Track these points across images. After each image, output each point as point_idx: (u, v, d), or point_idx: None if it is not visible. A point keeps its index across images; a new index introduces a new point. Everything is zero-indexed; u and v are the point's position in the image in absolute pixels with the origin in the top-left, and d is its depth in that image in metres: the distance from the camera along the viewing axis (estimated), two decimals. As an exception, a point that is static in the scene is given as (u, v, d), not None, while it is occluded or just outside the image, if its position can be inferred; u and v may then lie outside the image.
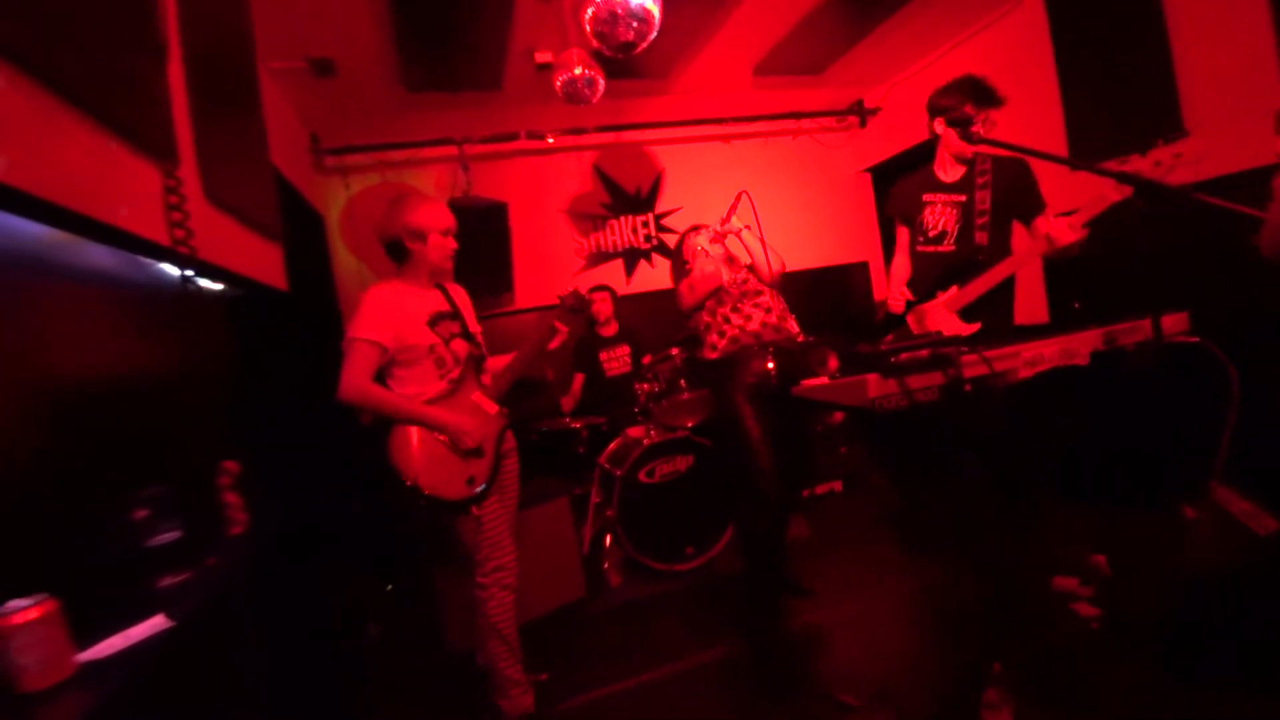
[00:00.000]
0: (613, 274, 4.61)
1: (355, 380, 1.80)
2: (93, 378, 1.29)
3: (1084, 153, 3.17)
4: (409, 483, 1.82)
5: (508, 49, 3.34)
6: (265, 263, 2.20)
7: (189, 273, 1.60)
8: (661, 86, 4.19)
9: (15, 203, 0.96)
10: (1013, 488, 2.05)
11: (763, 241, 2.37)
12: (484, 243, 3.84)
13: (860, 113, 4.93)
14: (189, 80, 1.64)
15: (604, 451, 3.38)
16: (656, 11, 2.37)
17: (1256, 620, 1.70)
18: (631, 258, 4.70)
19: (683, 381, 3.24)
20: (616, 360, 3.92)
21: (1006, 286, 2.08)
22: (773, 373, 2.23)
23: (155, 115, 1.43)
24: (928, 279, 2.20)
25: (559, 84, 2.99)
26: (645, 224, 4.72)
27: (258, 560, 1.54)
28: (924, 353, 1.41)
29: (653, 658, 2.39)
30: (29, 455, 1.07)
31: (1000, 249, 2.08)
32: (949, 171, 2.18)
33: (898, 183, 2.36)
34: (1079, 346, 1.53)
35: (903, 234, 2.33)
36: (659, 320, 3.95)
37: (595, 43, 2.45)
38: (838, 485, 3.90)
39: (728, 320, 2.39)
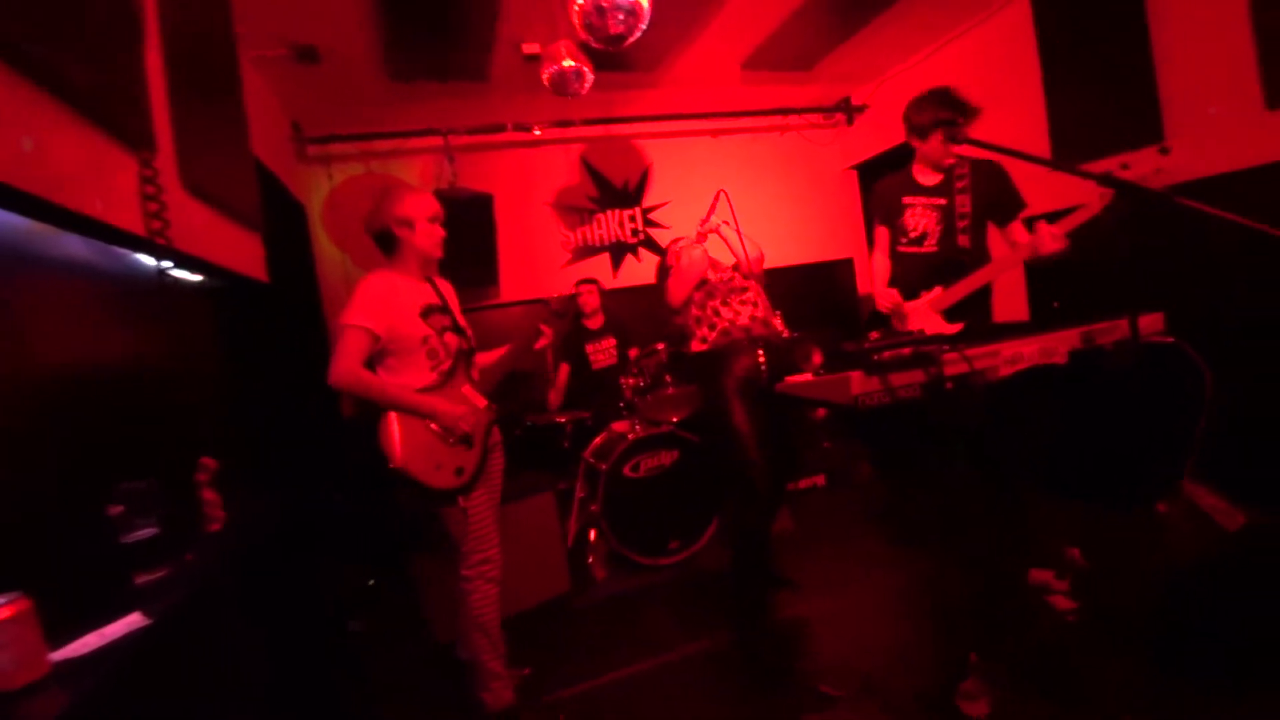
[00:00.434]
0: (599, 268, 4.60)
1: (347, 365, 1.79)
2: (67, 371, 1.26)
3: (1067, 154, 3.21)
4: (399, 470, 1.82)
5: (495, 39, 3.30)
6: (245, 254, 2.16)
7: (166, 264, 1.57)
8: (650, 80, 4.17)
9: (-16, 191, 0.93)
10: (995, 482, 2.09)
11: (740, 234, 2.39)
12: (468, 234, 3.80)
13: (847, 110, 4.94)
14: (167, 66, 1.61)
15: (589, 446, 3.38)
16: (646, 4, 2.36)
17: (1228, 611, 1.75)
18: (618, 252, 4.68)
19: (668, 376, 3.24)
20: (603, 352, 3.93)
21: (985, 287, 2.13)
22: (763, 367, 2.24)
23: (132, 102, 1.39)
24: (911, 279, 2.23)
25: (547, 76, 2.97)
26: (633, 218, 4.71)
27: (238, 555, 1.52)
28: (906, 351, 1.43)
29: (637, 651, 2.41)
30: (1, 451, 1.05)
31: (981, 250, 2.13)
32: (928, 175, 2.22)
33: (878, 183, 2.40)
34: (1057, 345, 1.56)
35: (882, 233, 2.38)
36: (645, 315, 3.95)
37: (584, 35, 2.43)
38: (821, 480, 3.94)
39: (718, 313, 2.39)
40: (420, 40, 3.22)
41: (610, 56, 2.88)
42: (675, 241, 2.65)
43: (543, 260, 4.51)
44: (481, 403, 2.04)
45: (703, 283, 2.45)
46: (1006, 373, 1.53)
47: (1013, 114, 3.55)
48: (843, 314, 5.07)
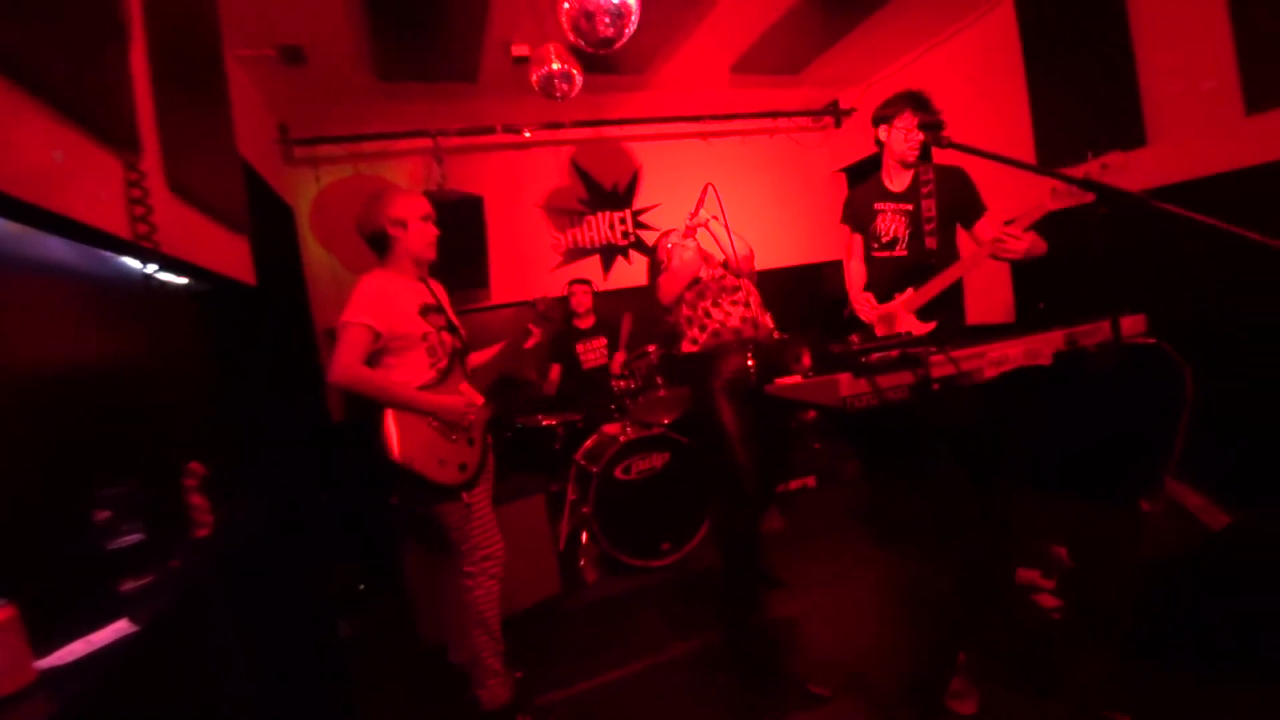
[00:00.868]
0: (590, 270, 4.60)
1: (347, 362, 1.79)
2: (52, 376, 1.25)
3: (1050, 157, 3.26)
4: (404, 465, 1.83)
5: (484, 40, 3.30)
6: (232, 256, 2.15)
7: (152, 267, 1.55)
8: (639, 82, 4.19)
9: (-33, 195, 0.92)
10: (981, 483, 2.11)
11: (729, 229, 2.38)
12: (458, 237, 3.79)
13: (836, 113, 4.98)
14: (152, 67, 1.59)
15: (580, 448, 3.38)
16: (635, 7, 2.37)
17: (1211, 608, 1.78)
18: (609, 254, 4.69)
19: (659, 378, 3.25)
20: (593, 352, 3.93)
21: (956, 286, 2.20)
22: (752, 369, 2.25)
23: (116, 103, 1.38)
24: (884, 283, 2.30)
25: (535, 79, 2.97)
26: (623, 220, 4.72)
27: (227, 560, 1.51)
28: (894, 353, 1.44)
29: (628, 652, 2.41)
30: (-17, 456, 1.04)
31: (949, 251, 2.21)
32: (896, 181, 2.31)
33: (850, 193, 2.49)
34: (1042, 347, 1.58)
35: (856, 241, 2.45)
36: (636, 317, 3.95)
37: (573, 37, 2.44)
38: (811, 480, 3.96)
39: (708, 315, 2.39)
40: (408, 41, 3.21)
41: (599, 59, 2.89)
42: (665, 235, 2.62)
43: (533, 262, 4.50)
44: (479, 400, 2.06)
45: (695, 281, 2.44)
46: (992, 374, 1.54)
47: (997, 117, 3.60)
48: (832, 315, 5.09)
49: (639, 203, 4.75)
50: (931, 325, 2.17)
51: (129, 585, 1.16)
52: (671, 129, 4.63)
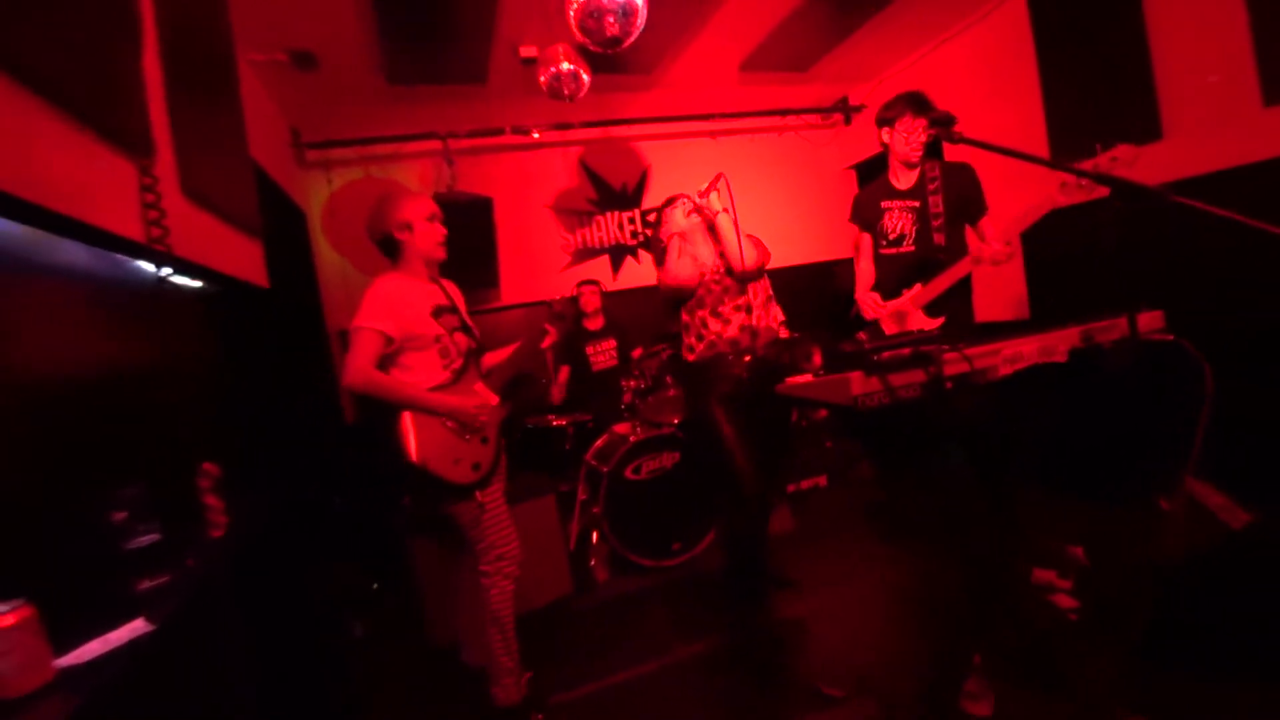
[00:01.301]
0: (599, 270, 4.60)
1: (360, 366, 1.81)
2: (70, 378, 1.27)
3: (1064, 151, 3.22)
4: (420, 465, 1.84)
5: (492, 42, 3.31)
6: (245, 259, 2.17)
7: (166, 270, 1.57)
8: (647, 82, 4.18)
9: (-15, 200, 0.94)
10: (995, 481, 2.09)
11: (738, 231, 2.28)
12: (468, 238, 3.81)
13: (845, 110, 4.95)
14: (166, 73, 1.61)
15: (590, 448, 3.38)
16: (642, 6, 2.36)
17: (1231, 609, 1.75)
18: (618, 254, 4.69)
19: (669, 378, 3.25)
20: (603, 354, 3.93)
21: (965, 281, 2.19)
22: (746, 380, 2.22)
23: (131, 109, 1.40)
24: (892, 280, 2.30)
25: (544, 80, 2.98)
26: (632, 220, 4.72)
27: (241, 560, 1.52)
28: (906, 351, 1.43)
29: (640, 652, 2.41)
30: (3, 458, 1.05)
31: (958, 247, 2.21)
32: (902, 179, 2.32)
33: (858, 194, 2.50)
34: (1057, 344, 1.56)
35: (865, 240, 2.46)
36: (646, 316, 3.95)
37: (581, 37, 2.44)
38: (822, 480, 3.94)
39: (705, 324, 2.32)
40: (418, 44, 3.23)
41: (608, 58, 2.89)
42: (670, 207, 2.43)
43: (542, 263, 4.51)
44: (493, 400, 2.07)
45: (690, 291, 2.33)
46: (1006, 372, 1.52)
47: (1010, 111, 3.56)
48: (842, 313, 5.06)
49: (648, 202, 4.74)
50: (939, 321, 2.17)
51: (145, 585, 1.18)
52: (680, 128, 4.62)
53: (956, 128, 1.94)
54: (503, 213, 4.18)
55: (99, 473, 1.25)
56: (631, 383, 3.33)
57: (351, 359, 1.81)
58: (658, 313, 3.71)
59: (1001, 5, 3.57)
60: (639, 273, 4.70)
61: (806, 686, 2.03)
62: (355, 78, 3.44)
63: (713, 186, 2.31)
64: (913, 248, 2.27)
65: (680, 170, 4.73)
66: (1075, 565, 2.37)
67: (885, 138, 2.30)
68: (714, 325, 2.31)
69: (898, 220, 2.31)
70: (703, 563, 3.15)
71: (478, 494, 1.96)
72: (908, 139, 2.22)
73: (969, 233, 2.27)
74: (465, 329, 2.09)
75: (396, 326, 1.87)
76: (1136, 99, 2.87)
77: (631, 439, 3.12)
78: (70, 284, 1.33)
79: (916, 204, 2.26)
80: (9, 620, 0.85)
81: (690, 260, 2.33)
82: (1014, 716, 1.77)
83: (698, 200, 2.32)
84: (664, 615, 2.71)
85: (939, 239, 2.20)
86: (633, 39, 2.45)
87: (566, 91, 2.98)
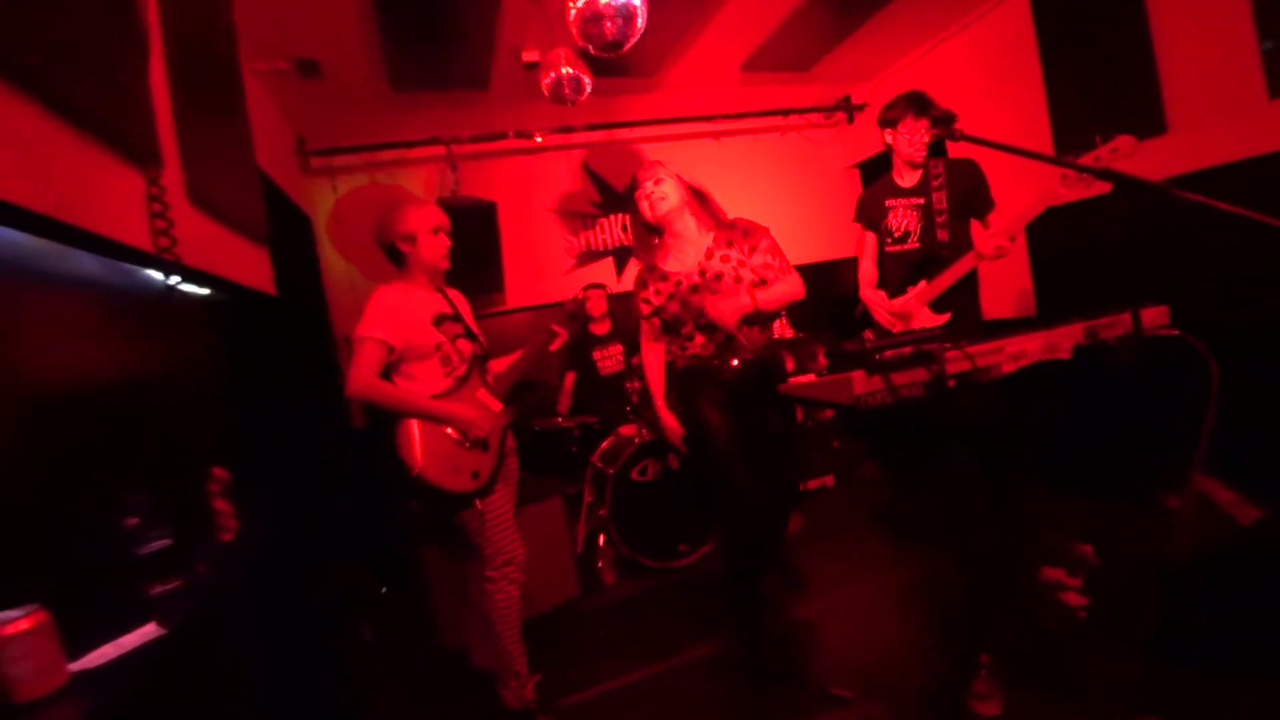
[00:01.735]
0: (603, 272, 4.61)
1: (362, 376, 1.82)
2: (81, 386, 1.28)
3: (1068, 146, 3.20)
4: (415, 474, 1.85)
5: (495, 48, 3.33)
6: (252, 267, 2.19)
7: (174, 279, 1.59)
8: (649, 84, 4.19)
9: (-3, 212, 0.95)
10: (1000, 480, 2.08)
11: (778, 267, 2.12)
12: (473, 242, 3.83)
13: (848, 109, 4.95)
14: (171, 83, 1.63)
15: (596, 450, 3.39)
16: (642, 10, 2.37)
17: (1240, 607, 1.73)
18: (622, 256, 4.70)
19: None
20: (609, 359, 3.93)
21: (971, 278, 2.19)
22: (734, 381, 2.15)
23: (138, 119, 1.42)
24: (897, 277, 2.31)
25: (546, 84, 2.99)
26: (635, 222, 4.72)
27: (251, 565, 1.54)
28: (908, 349, 1.43)
29: (647, 654, 2.41)
30: (16, 463, 1.07)
31: (962, 243, 2.21)
32: (906, 178, 2.32)
33: (862, 193, 2.50)
34: (1061, 340, 1.55)
35: (869, 239, 2.46)
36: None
37: (581, 41, 2.45)
38: (829, 480, 3.93)
39: (691, 340, 2.17)
40: (420, 51, 3.25)
41: (609, 62, 2.90)
42: (647, 173, 2.18)
43: (547, 266, 4.53)
44: (497, 406, 2.08)
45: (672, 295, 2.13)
46: (1010, 369, 1.52)
47: (1013, 107, 3.55)
48: (847, 312, 5.05)
49: (651, 204, 4.74)
50: (945, 317, 2.16)
51: (157, 589, 1.19)
52: (683, 129, 4.63)
53: (958, 125, 1.94)
54: (507, 216, 4.20)
55: (110, 479, 1.27)
56: (636, 385, 3.34)
57: (354, 368, 1.83)
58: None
59: (1003, 1, 3.56)
60: (643, 274, 4.71)
61: (815, 688, 2.03)
62: (359, 85, 3.47)
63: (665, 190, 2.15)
64: (917, 245, 2.28)
65: (684, 172, 4.71)
66: (1084, 563, 2.36)
67: (888, 138, 2.31)
68: (699, 338, 2.14)
69: (902, 218, 2.31)
70: (709, 563, 3.15)
71: (477, 502, 1.96)
72: (910, 139, 2.22)
73: (975, 228, 2.27)
74: (469, 336, 2.09)
75: (397, 336, 1.88)
76: (1140, 93, 2.86)
77: (637, 441, 3.13)
78: (81, 294, 1.35)
79: (920, 201, 2.26)
80: (23, 625, 0.87)
81: (656, 354, 2.32)
82: (1023, 716, 1.76)
83: (653, 199, 2.12)
84: (671, 616, 2.71)
85: (943, 236, 2.20)
86: (633, 42, 2.46)
87: (568, 95, 2.99)
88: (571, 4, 2.34)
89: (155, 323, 1.60)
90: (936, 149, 2.32)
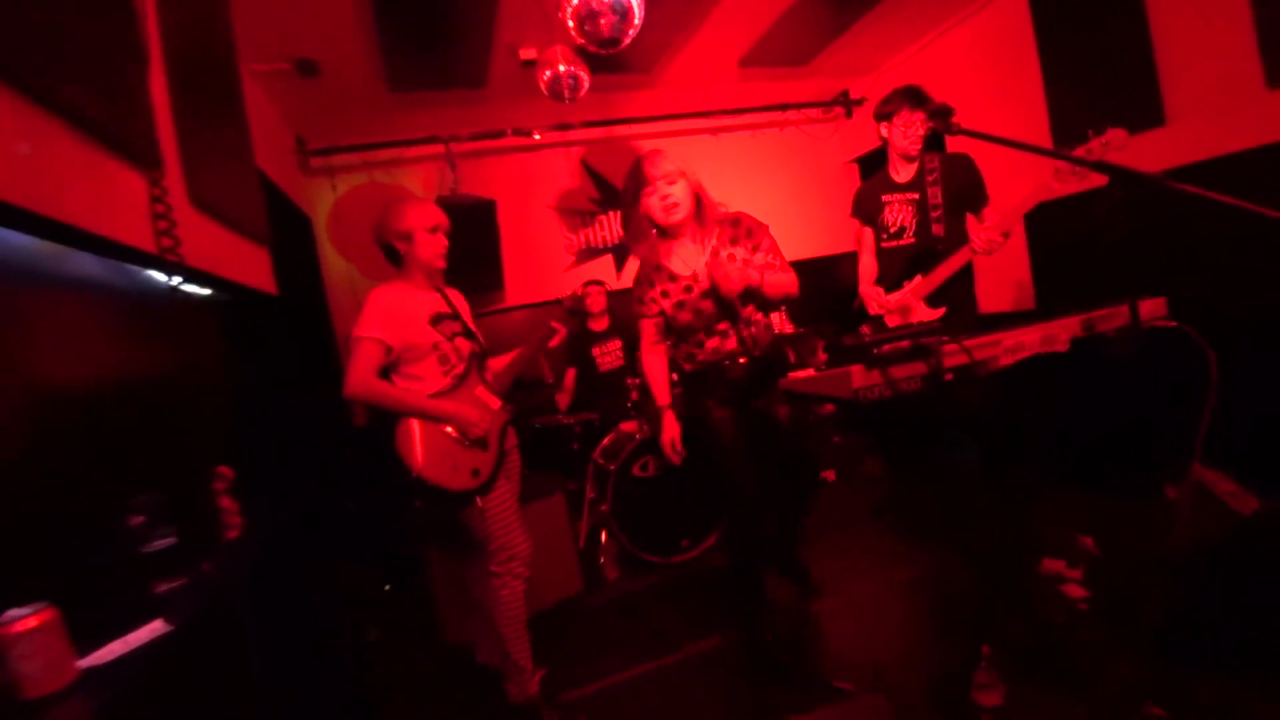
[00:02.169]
0: (603, 269, 4.62)
1: (360, 376, 1.83)
2: (86, 386, 1.30)
3: (1066, 139, 3.20)
4: (415, 474, 1.86)
5: (492, 46, 3.33)
6: (254, 267, 2.20)
7: (177, 279, 1.60)
8: (647, 80, 4.18)
9: (1, 215, 0.96)
10: (1000, 473, 2.09)
11: (774, 264, 2.06)
12: (472, 241, 3.84)
13: (846, 103, 4.94)
14: (171, 86, 1.64)
15: (597, 447, 3.40)
16: (639, 7, 2.37)
17: (1242, 599, 1.74)
18: (621, 253, 4.70)
19: (675, 375, 3.25)
20: (609, 355, 3.94)
21: (967, 272, 2.22)
22: (743, 380, 2.15)
23: (139, 122, 1.43)
24: (893, 272, 2.33)
25: (544, 81, 2.99)
26: (634, 219, 4.72)
27: (255, 562, 1.55)
28: (906, 343, 1.44)
29: (650, 649, 2.42)
30: (24, 464, 1.08)
31: (957, 238, 2.22)
32: (902, 172, 2.34)
33: (859, 188, 2.52)
34: (1059, 333, 1.56)
35: (867, 235, 2.48)
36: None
37: (578, 38, 2.45)
38: (831, 474, 3.94)
39: (701, 345, 2.15)
40: (418, 50, 3.25)
41: (607, 58, 2.90)
42: (641, 188, 2.08)
43: (547, 264, 4.53)
44: (496, 404, 2.08)
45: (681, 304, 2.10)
46: (1008, 362, 1.53)
47: (1011, 100, 3.55)
48: (847, 307, 5.06)
49: (650, 201, 4.74)
50: (941, 311, 2.18)
51: (163, 587, 1.20)
52: (681, 125, 4.63)
53: (955, 119, 1.94)
54: (506, 214, 4.20)
55: (116, 478, 1.28)
56: (637, 380, 3.34)
57: (351, 369, 1.83)
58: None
59: (1001, -6, 3.55)
60: (643, 271, 4.71)
61: (817, 681, 2.04)
62: (357, 85, 3.47)
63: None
64: (913, 240, 2.30)
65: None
66: (1085, 555, 2.37)
67: (884, 132, 2.32)
68: (711, 344, 2.13)
69: (898, 213, 2.33)
70: (711, 558, 3.16)
71: (478, 499, 1.97)
72: (905, 133, 2.23)
73: (970, 222, 2.28)
74: (468, 334, 2.10)
75: (395, 336, 1.89)
76: (1138, 85, 2.85)
77: (638, 436, 3.14)
78: (86, 295, 1.36)
79: (916, 196, 2.28)
80: (33, 622, 0.88)
81: (658, 356, 2.25)
82: (1024, 707, 1.77)
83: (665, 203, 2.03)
84: (674, 611, 2.72)
85: (938, 230, 2.22)
86: (630, 39, 2.46)
87: (566, 93, 2.99)
88: (568, 1, 2.34)
89: (159, 323, 1.61)
90: (932, 144, 2.33)
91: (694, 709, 2.07)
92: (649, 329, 2.20)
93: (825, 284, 5.07)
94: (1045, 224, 3.21)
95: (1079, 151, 1.67)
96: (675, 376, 3.24)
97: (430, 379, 1.96)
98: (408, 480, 1.86)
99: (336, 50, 3.08)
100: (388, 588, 3.28)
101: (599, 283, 3.99)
